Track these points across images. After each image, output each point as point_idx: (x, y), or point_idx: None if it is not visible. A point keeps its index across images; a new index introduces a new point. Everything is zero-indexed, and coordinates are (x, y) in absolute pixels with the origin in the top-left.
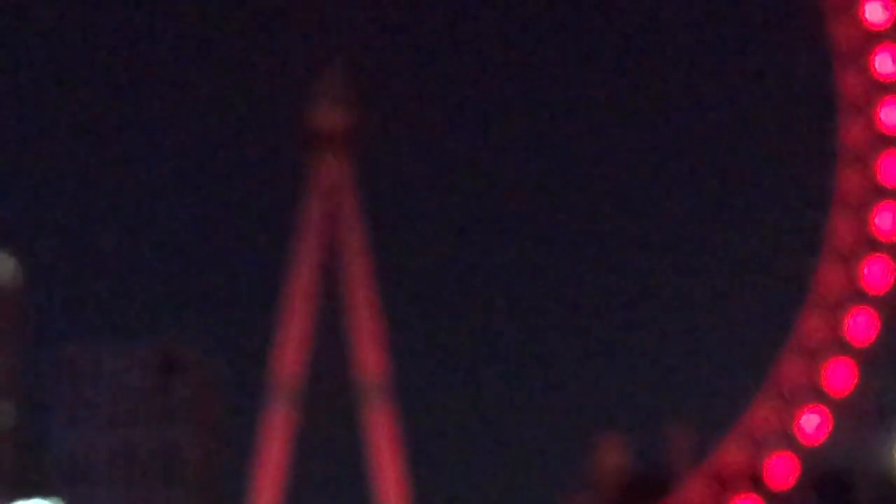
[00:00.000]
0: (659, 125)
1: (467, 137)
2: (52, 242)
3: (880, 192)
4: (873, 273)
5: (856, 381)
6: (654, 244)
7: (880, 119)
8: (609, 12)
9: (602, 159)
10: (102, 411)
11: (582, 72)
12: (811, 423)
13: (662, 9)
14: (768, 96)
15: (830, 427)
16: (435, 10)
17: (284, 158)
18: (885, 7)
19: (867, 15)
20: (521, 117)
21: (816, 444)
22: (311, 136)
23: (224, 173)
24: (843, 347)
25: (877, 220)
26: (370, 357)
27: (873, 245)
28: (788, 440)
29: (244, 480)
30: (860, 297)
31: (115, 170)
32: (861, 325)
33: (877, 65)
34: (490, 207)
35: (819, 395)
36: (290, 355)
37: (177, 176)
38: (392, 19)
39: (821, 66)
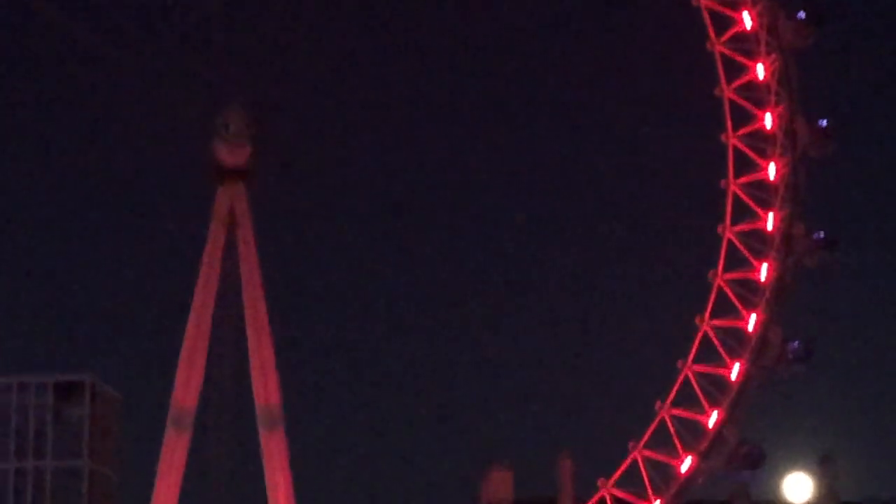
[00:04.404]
0: None
1: (366, 171)
2: None
3: None
4: None
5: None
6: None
7: None
8: None
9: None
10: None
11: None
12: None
13: None
14: None
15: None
16: (342, 48)
17: (186, 190)
18: None
19: None
20: (417, 152)
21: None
22: (213, 168)
23: (125, 202)
24: None
25: None
26: (264, 384)
27: None
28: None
29: None
30: None
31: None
32: None
33: None
34: (384, 244)
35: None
36: (187, 381)
37: (75, 202)
38: (293, 55)
39: None
